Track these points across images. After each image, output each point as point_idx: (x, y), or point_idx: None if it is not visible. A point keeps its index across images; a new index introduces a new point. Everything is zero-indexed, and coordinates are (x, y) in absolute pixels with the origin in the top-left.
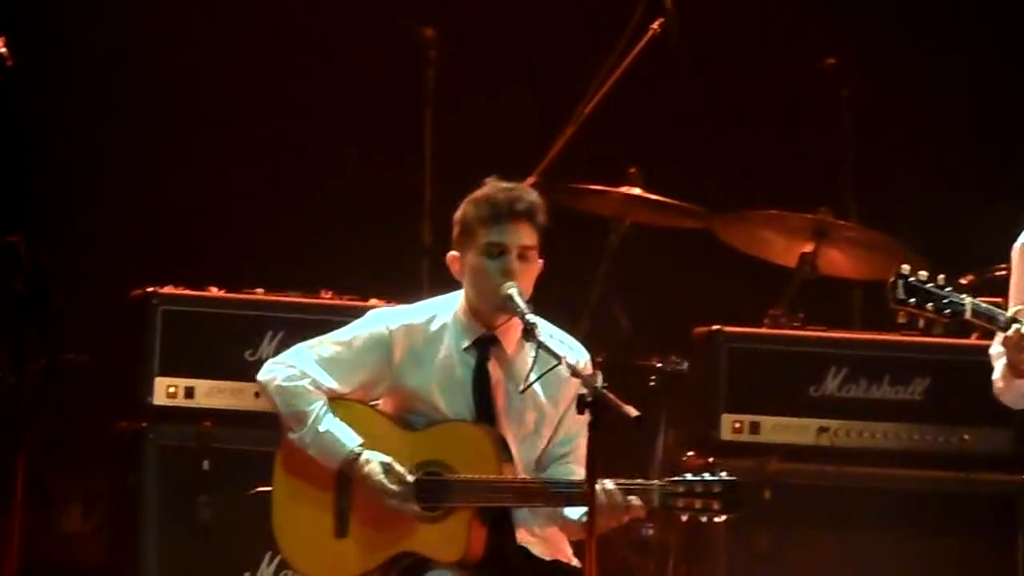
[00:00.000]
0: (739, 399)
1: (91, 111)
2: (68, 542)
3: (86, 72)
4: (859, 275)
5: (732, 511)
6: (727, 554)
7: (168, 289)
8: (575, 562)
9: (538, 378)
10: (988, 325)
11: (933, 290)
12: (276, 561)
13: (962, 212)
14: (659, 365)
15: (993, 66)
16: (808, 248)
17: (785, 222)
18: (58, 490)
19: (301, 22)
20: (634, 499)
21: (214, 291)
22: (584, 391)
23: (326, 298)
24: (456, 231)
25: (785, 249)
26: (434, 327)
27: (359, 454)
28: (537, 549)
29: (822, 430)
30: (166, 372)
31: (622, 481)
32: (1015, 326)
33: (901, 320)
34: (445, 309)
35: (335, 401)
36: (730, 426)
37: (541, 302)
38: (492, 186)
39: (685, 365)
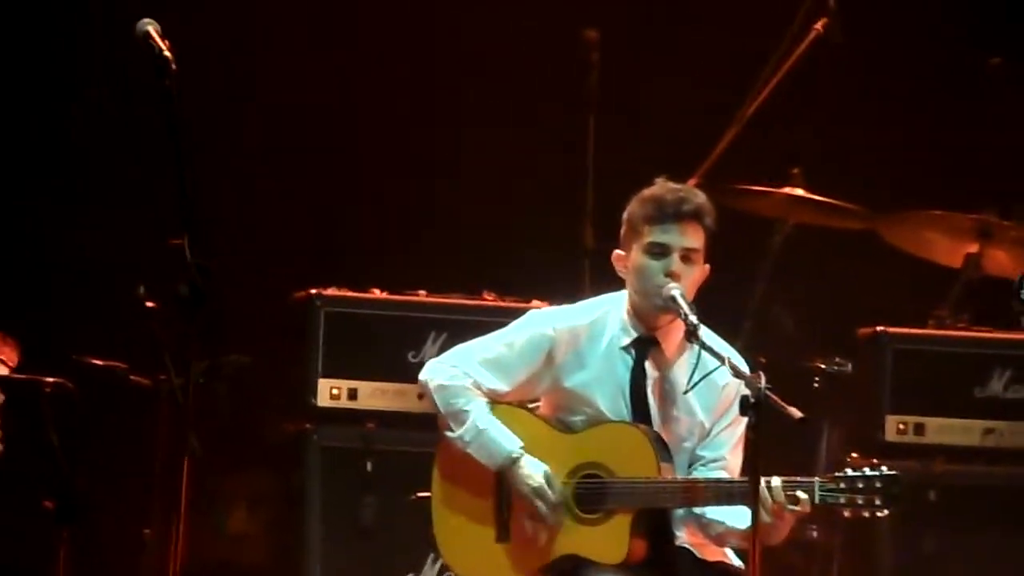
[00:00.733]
0: (903, 400)
1: (252, 114)
2: (232, 543)
3: (245, 74)
4: None
5: (894, 505)
6: (891, 556)
7: (331, 291)
8: (737, 563)
9: (702, 378)
10: None
11: None
12: (439, 563)
13: None
14: (823, 366)
15: None
16: (973, 249)
17: (950, 223)
18: (223, 491)
19: (463, 25)
20: (801, 494)
21: (377, 293)
22: (747, 392)
23: (488, 300)
24: (623, 229)
25: (949, 250)
26: (596, 327)
27: (518, 457)
28: (698, 550)
29: (987, 431)
30: (329, 374)
31: (783, 478)
32: None
33: None
34: (608, 308)
35: (494, 404)
36: (894, 427)
37: (703, 306)
38: (661, 186)
39: (849, 366)
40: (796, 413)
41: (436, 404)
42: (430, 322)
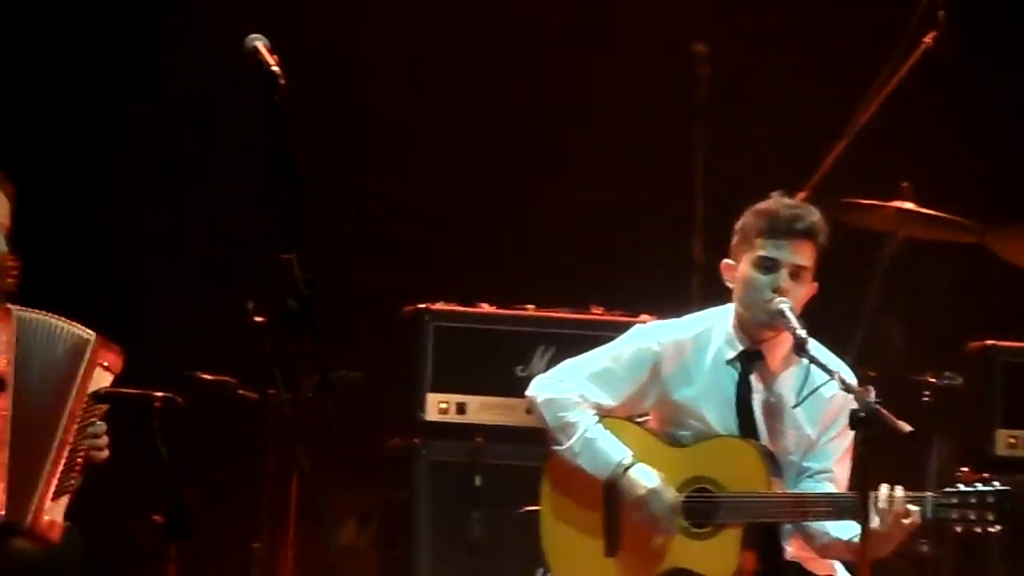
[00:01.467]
0: (1014, 414)
1: (363, 127)
2: (341, 557)
3: (356, 87)
4: None
5: (1006, 521)
6: (1002, 570)
7: (440, 305)
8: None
9: (811, 393)
10: None
11: None
12: None
13: None
14: (932, 380)
15: None
16: None
17: None
18: (331, 506)
19: (570, 36)
20: (913, 507)
21: (485, 307)
22: (856, 407)
23: (596, 314)
24: (735, 239)
25: None
26: (701, 340)
27: (629, 465)
28: (806, 564)
29: None
30: (438, 388)
31: (895, 493)
32: None
33: None
34: (714, 322)
35: (603, 418)
36: (1005, 441)
37: (813, 320)
38: (777, 201)
39: (959, 380)
40: (905, 427)
41: (544, 418)
42: (538, 336)
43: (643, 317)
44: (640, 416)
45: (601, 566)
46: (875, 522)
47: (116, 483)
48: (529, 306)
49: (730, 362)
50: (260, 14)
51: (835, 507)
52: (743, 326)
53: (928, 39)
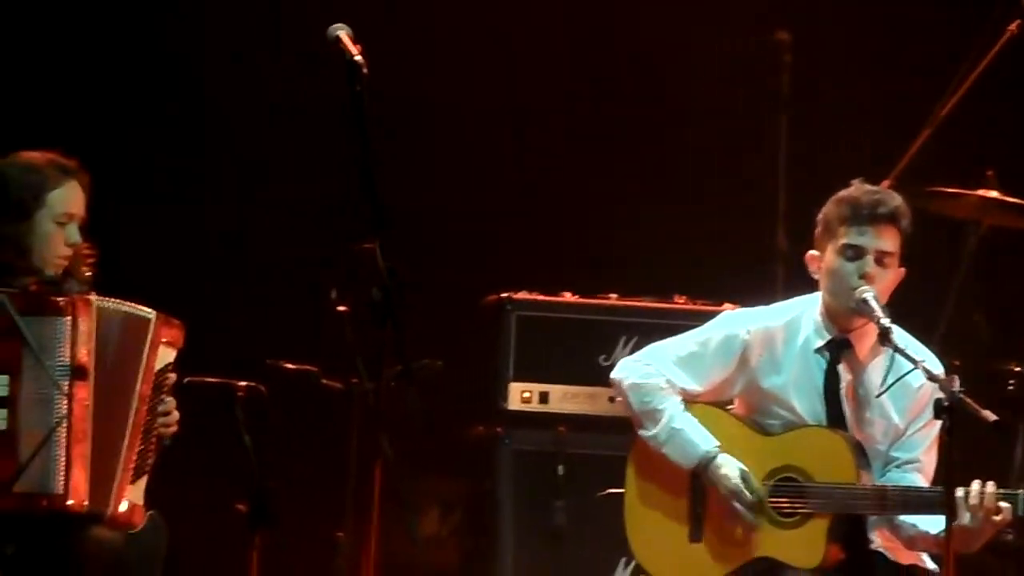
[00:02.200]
0: None
1: (443, 117)
2: (424, 546)
3: (436, 78)
4: None
5: None
6: None
7: (522, 294)
8: (932, 566)
9: (895, 381)
10: None
11: None
12: (632, 566)
13: None
14: (1018, 369)
15: None
16: None
17: None
18: (414, 495)
19: (653, 26)
20: (1004, 504)
21: (568, 296)
22: (941, 396)
23: (680, 303)
24: (818, 229)
25: None
26: (790, 329)
27: (714, 456)
28: (892, 554)
29: None
30: (520, 377)
31: (986, 489)
32: None
33: None
34: (802, 311)
35: (689, 403)
36: None
37: (898, 309)
38: (858, 188)
39: None
40: (990, 416)
41: (629, 402)
42: (621, 325)
43: (726, 306)
44: (726, 403)
45: (686, 552)
46: (965, 518)
47: (200, 472)
48: (612, 295)
49: (819, 351)
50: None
51: (922, 501)
52: (831, 315)
53: (1013, 27)
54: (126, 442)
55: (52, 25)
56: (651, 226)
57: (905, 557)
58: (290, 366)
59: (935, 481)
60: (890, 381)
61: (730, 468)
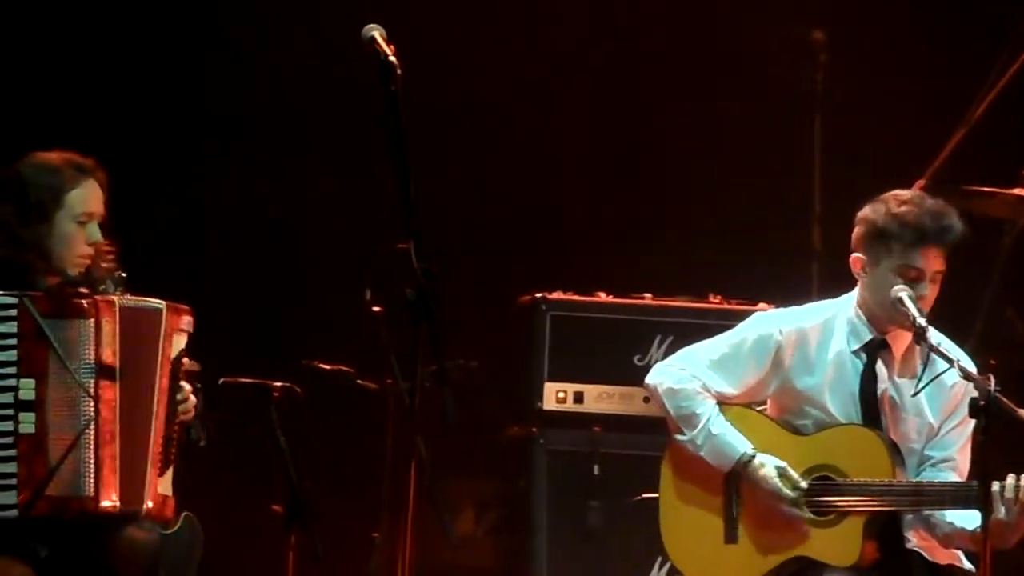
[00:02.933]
0: None
1: (476, 117)
2: (460, 546)
3: (467, 77)
4: None
5: None
6: None
7: (557, 295)
8: (968, 566)
9: (930, 381)
10: None
11: None
12: (667, 567)
13: None
14: None
15: None
16: None
17: None
18: (449, 495)
19: (685, 25)
20: None
21: (603, 296)
22: (975, 395)
23: (714, 302)
24: (864, 232)
25: None
26: (825, 330)
27: (753, 456)
28: (928, 553)
29: None
30: (555, 377)
31: (1022, 483)
32: None
33: None
34: (838, 311)
35: (723, 406)
36: None
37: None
38: (919, 205)
39: None
40: None
41: (666, 407)
42: (656, 325)
43: (761, 305)
44: (759, 404)
45: (721, 553)
46: (1001, 512)
47: (236, 473)
48: (647, 295)
49: (856, 352)
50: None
51: (959, 496)
52: (869, 317)
53: None
54: (152, 437)
55: (87, 20)
56: (686, 225)
57: (942, 556)
58: (325, 367)
59: (970, 478)
60: (926, 380)
61: (768, 466)
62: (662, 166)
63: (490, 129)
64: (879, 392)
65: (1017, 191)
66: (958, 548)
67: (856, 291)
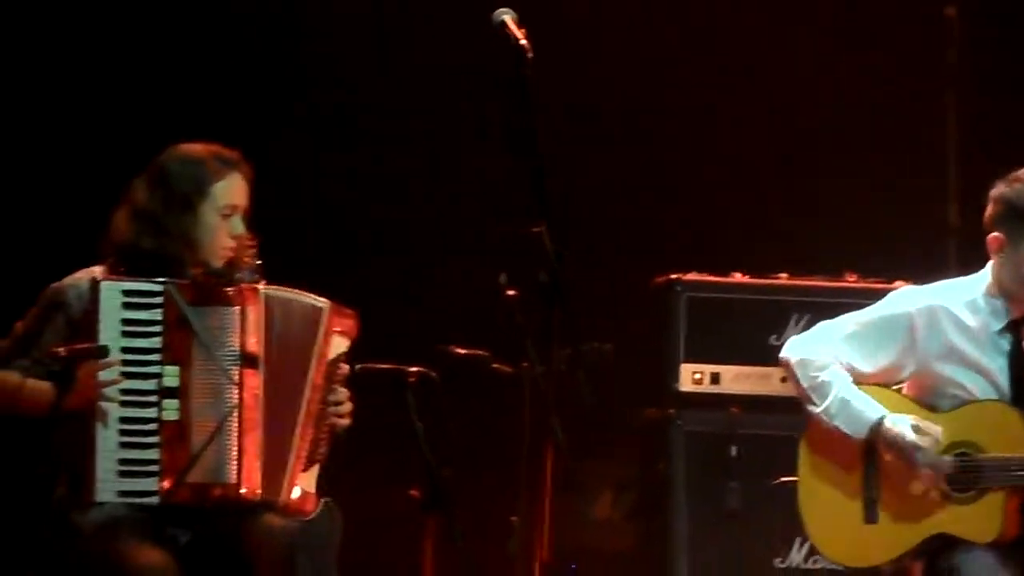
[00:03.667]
0: None
1: (610, 99)
2: (598, 528)
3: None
4: None
5: None
6: None
7: (692, 276)
8: None
9: None
10: None
11: None
12: (806, 547)
13: None
14: None
15: None
16: None
17: None
18: (587, 477)
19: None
20: None
21: (738, 276)
22: None
23: (851, 281)
24: (1003, 211)
25: None
26: (963, 308)
27: (883, 418)
28: None
29: None
30: (691, 358)
31: None
32: None
33: None
34: (973, 290)
35: (859, 385)
36: None
37: None
38: None
39: None
40: None
41: (798, 379)
42: (792, 305)
43: (898, 284)
44: (896, 385)
45: (861, 533)
46: None
47: (372, 458)
48: (783, 275)
49: (1000, 332)
50: None
51: None
52: (1009, 296)
53: None
54: (298, 430)
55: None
56: (821, 204)
57: None
58: (460, 351)
59: None
60: None
61: (902, 425)
62: (797, 145)
63: (627, 111)
64: None
65: None
66: None
67: (988, 269)
